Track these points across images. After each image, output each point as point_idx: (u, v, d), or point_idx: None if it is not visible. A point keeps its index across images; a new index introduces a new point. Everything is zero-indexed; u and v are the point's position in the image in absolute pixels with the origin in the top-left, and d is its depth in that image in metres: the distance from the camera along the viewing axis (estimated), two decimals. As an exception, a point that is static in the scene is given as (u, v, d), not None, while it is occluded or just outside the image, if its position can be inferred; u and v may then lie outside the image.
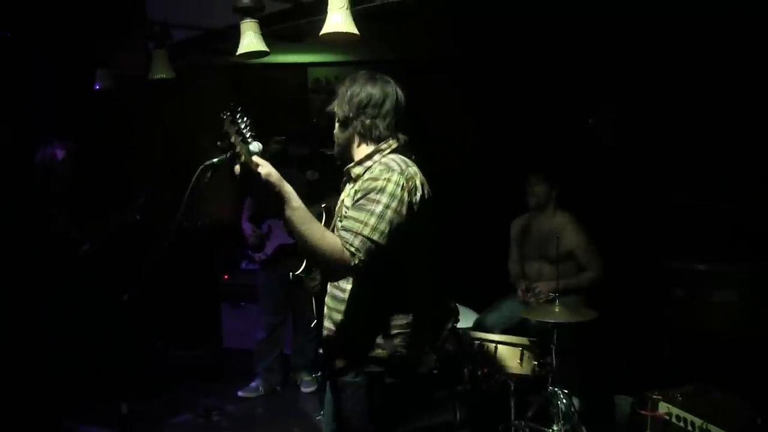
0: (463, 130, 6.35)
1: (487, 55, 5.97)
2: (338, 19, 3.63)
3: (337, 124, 2.73)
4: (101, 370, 5.13)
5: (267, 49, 4.15)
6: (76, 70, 5.61)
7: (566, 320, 3.98)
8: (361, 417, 2.60)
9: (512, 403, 4.10)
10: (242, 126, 2.21)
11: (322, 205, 2.82)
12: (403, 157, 2.61)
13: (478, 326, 4.75)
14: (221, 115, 2.18)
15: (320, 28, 3.69)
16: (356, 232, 2.37)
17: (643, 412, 3.72)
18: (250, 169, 2.24)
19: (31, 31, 5.56)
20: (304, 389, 5.73)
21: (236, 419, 5.27)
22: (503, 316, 4.83)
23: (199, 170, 2.38)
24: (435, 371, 4.28)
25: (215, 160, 2.43)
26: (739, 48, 4.67)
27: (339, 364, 2.64)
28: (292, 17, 4.53)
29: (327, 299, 2.73)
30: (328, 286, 2.73)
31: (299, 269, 2.85)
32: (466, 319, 4.72)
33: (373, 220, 2.39)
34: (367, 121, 2.63)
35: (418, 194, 2.52)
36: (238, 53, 4.12)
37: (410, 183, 2.49)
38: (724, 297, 4.77)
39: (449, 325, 4.24)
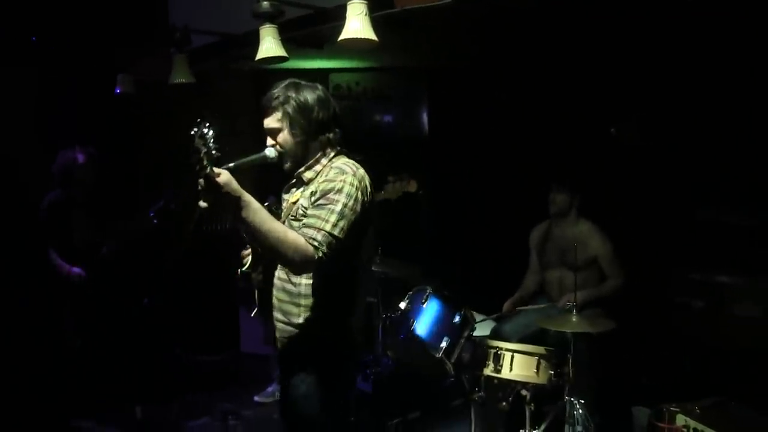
0: (482, 137, 6.32)
1: (507, 62, 5.94)
2: (357, 26, 3.64)
3: (286, 133, 2.82)
4: (119, 373, 5.16)
5: (286, 55, 4.15)
6: (97, 75, 5.64)
7: (583, 330, 3.93)
8: (314, 407, 2.77)
9: (528, 413, 4.05)
10: (209, 141, 2.30)
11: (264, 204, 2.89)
12: (351, 161, 2.85)
13: (495, 335, 4.71)
14: (192, 131, 2.28)
15: (340, 35, 3.69)
16: (319, 228, 2.58)
17: (660, 424, 3.67)
18: (211, 180, 2.33)
19: (53, 36, 5.61)
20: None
21: (253, 424, 5.27)
22: (520, 325, 4.78)
23: None
24: (451, 380, 4.27)
25: (231, 164, 2.50)
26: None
27: (293, 355, 2.85)
28: (312, 23, 4.52)
29: (277, 293, 2.89)
30: (277, 280, 2.90)
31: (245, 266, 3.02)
32: (483, 328, 4.69)
33: (333, 218, 2.61)
34: (318, 131, 2.82)
35: (368, 193, 2.76)
36: (256, 58, 4.13)
37: (362, 183, 2.74)
38: (745, 310, 4.71)
39: (465, 334, 4.22)
